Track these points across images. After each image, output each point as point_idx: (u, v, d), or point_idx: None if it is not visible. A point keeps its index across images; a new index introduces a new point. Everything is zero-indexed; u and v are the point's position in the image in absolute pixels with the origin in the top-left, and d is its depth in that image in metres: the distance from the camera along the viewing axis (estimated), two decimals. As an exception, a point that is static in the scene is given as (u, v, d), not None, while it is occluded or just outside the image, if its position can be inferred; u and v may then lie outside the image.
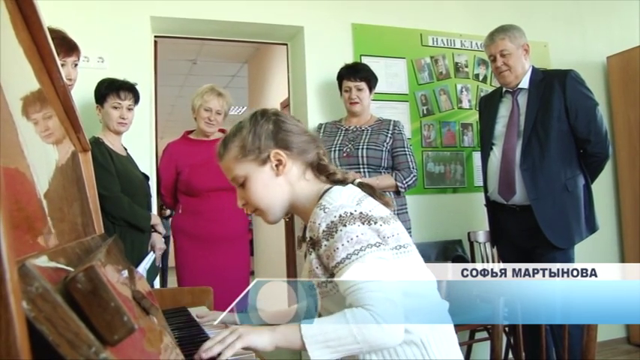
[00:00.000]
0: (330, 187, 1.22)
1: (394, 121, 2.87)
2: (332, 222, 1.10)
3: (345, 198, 1.15)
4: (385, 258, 1.09)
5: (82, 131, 1.40)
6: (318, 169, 1.28)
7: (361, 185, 1.28)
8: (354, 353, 1.04)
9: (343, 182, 1.27)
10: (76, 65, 2.13)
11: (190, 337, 1.34)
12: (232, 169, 1.24)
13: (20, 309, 0.41)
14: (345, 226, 1.09)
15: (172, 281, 3.76)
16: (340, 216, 1.10)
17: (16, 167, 0.60)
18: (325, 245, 1.10)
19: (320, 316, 1.25)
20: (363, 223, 1.10)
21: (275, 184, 1.23)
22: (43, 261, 0.54)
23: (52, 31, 1.98)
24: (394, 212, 2.67)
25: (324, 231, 1.10)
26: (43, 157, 0.86)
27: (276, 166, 1.22)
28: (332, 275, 1.12)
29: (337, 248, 1.08)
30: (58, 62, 1.01)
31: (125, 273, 1.02)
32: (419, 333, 1.12)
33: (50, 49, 0.93)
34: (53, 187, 0.85)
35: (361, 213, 1.12)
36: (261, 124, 1.24)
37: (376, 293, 1.03)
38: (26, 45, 0.85)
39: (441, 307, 1.22)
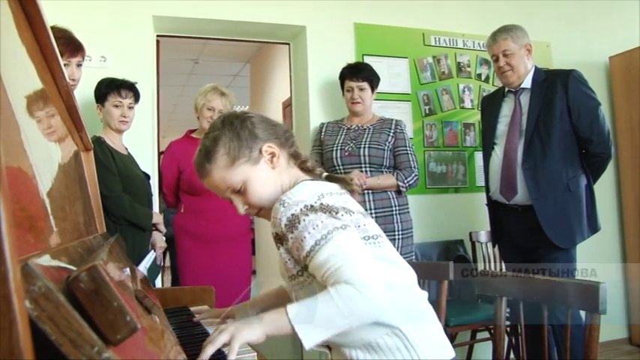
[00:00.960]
0: (298, 182, 1.21)
1: (396, 120, 2.87)
2: (292, 214, 1.09)
3: (307, 193, 1.14)
4: (353, 238, 1.10)
5: (85, 130, 1.40)
6: (294, 156, 1.30)
7: (330, 179, 1.28)
8: (344, 329, 1.03)
9: (312, 172, 1.30)
10: (79, 65, 2.13)
11: (192, 336, 1.34)
12: (226, 179, 1.20)
13: (23, 308, 0.41)
14: (307, 215, 1.09)
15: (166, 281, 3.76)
16: (301, 209, 1.10)
17: (18, 166, 0.60)
18: (291, 238, 1.10)
19: None
20: (324, 213, 1.10)
21: (272, 178, 1.22)
22: (45, 260, 0.54)
23: (58, 30, 2.00)
24: (395, 210, 2.69)
25: (286, 224, 1.10)
26: (45, 156, 0.86)
27: (270, 159, 1.22)
28: (305, 266, 1.12)
29: (304, 237, 1.07)
30: (61, 62, 1.01)
31: (127, 272, 1.02)
32: (398, 324, 1.12)
33: (53, 49, 0.93)
34: (56, 186, 0.85)
35: (322, 204, 1.12)
36: (240, 126, 1.22)
37: (354, 268, 1.03)
38: (29, 44, 0.85)
39: (419, 297, 1.22)
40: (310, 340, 1.00)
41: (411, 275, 1.23)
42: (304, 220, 1.08)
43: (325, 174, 1.31)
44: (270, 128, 1.25)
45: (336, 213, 1.12)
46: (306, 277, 1.14)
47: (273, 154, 1.22)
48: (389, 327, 1.12)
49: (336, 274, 1.03)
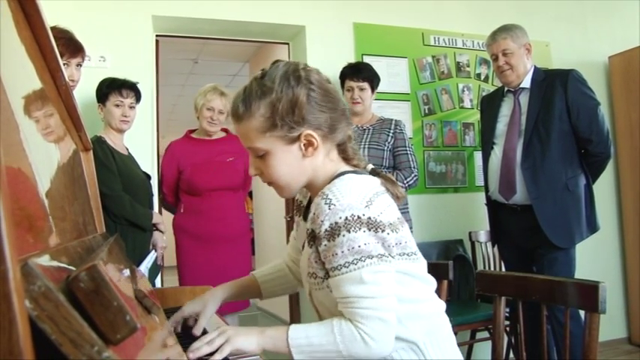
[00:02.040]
0: (342, 174, 1.11)
1: (396, 120, 2.87)
2: (336, 223, 1.00)
3: (355, 195, 1.03)
4: (384, 271, 1.02)
5: (84, 130, 1.40)
6: (341, 149, 1.17)
7: (375, 173, 1.18)
8: None
9: (357, 165, 1.18)
10: (79, 66, 2.13)
11: (192, 335, 1.34)
12: (252, 139, 1.08)
13: (23, 308, 0.41)
14: (349, 232, 0.99)
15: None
16: (346, 219, 1.00)
17: (18, 166, 0.60)
18: (325, 245, 1.02)
19: (313, 304, 1.22)
20: (369, 230, 1.01)
21: (299, 165, 1.10)
22: (45, 260, 0.54)
23: (59, 31, 2.00)
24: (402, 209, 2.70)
25: (326, 230, 1.01)
26: (44, 155, 0.86)
27: (305, 147, 1.09)
28: (327, 273, 1.08)
29: (336, 253, 1.01)
30: (60, 61, 1.01)
31: (127, 272, 1.02)
32: (415, 338, 1.10)
33: (52, 48, 0.93)
34: (55, 186, 0.85)
35: (369, 218, 1.02)
36: (295, 93, 1.06)
37: (367, 311, 1.00)
38: (28, 44, 0.85)
39: (438, 310, 1.19)
40: None
41: (433, 287, 1.20)
42: (344, 236, 1.00)
43: (371, 166, 1.20)
44: (326, 111, 1.09)
45: (382, 231, 1.03)
46: (328, 284, 1.09)
47: (311, 144, 1.09)
48: (407, 342, 1.10)
49: (348, 309, 1.02)
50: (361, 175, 1.13)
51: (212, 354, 1.01)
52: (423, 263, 1.16)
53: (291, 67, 1.10)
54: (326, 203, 1.02)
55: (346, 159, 1.18)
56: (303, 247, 1.16)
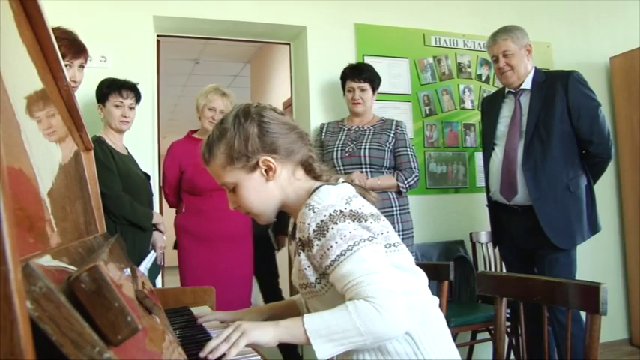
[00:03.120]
0: (320, 186, 1.18)
1: (397, 121, 2.87)
2: (322, 221, 1.08)
3: (334, 197, 1.12)
4: (379, 251, 1.09)
5: (85, 130, 1.40)
6: (306, 168, 1.25)
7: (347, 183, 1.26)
8: (359, 346, 1.03)
9: (328, 180, 1.25)
10: (82, 67, 2.13)
11: (192, 336, 1.34)
12: (221, 176, 1.21)
13: (24, 308, 0.41)
14: (336, 224, 1.07)
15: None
16: (330, 214, 1.08)
17: (19, 166, 0.60)
18: (317, 245, 1.08)
19: (307, 308, 1.25)
20: (354, 221, 1.09)
21: (266, 189, 1.20)
22: (46, 260, 0.54)
23: (62, 32, 2.00)
24: (396, 211, 2.70)
25: (314, 230, 1.08)
26: (46, 156, 0.86)
27: (266, 172, 1.19)
28: (323, 274, 1.11)
29: (331, 246, 1.06)
30: (62, 62, 1.01)
31: (127, 272, 1.02)
32: (409, 329, 1.11)
33: (54, 49, 0.93)
34: (56, 186, 0.85)
35: (351, 211, 1.10)
36: (246, 128, 1.18)
37: (376, 285, 1.02)
38: (30, 44, 0.85)
39: (431, 304, 1.22)
40: (324, 352, 1.00)
41: (424, 280, 1.23)
42: (333, 229, 1.07)
43: (342, 179, 1.26)
44: (279, 137, 1.19)
45: (365, 220, 1.11)
46: (321, 287, 1.14)
47: (269, 168, 1.18)
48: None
49: (357, 289, 1.02)
50: (336, 185, 1.20)
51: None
52: (408, 255, 1.21)
53: (242, 107, 1.23)
54: (309, 209, 1.11)
55: (315, 177, 1.26)
56: (293, 265, 1.23)
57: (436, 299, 1.24)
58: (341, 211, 1.09)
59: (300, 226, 1.12)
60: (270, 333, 1.02)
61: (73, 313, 0.46)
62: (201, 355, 1.00)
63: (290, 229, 1.35)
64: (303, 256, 1.13)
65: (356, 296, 1.02)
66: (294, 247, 1.18)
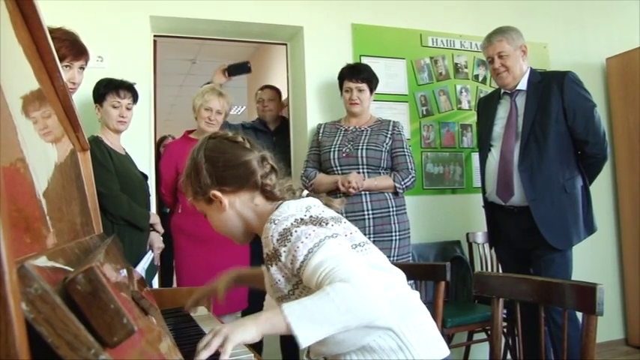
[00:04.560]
0: (280, 204, 1.22)
1: (394, 121, 2.87)
2: (284, 229, 1.11)
3: (293, 208, 1.17)
4: (344, 245, 1.11)
5: (81, 130, 1.40)
6: (265, 193, 1.27)
7: (312, 195, 1.30)
8: (342, 328, 1.01)
9: (293, 196, 1.29)
10: (82, 69, 2.12)
11: (189, 337, 1.34)
12: (194, 204, 1.30)
13: (19, 310, 0.41)
14: (298, 227, 1.11)
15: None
16: (292, 223, 1.12)
17: (15, 167, 0.60)
18: (284, 251, 1.10)
19: None
20: (315, 225, 1.12)
21: (225, 217, 1.26)
22: (42, 262, 0.54)
23: (64, 32, 1.99)
24: (392, 211, 2.69)
25: (277, 239, 1.11)
26: (42, 156, 0.85)
27: (219, 203, 1.24)
28: (297, 285, 1.13)
29: (298, 247, 1.08)
30: (58, 62, 1.01)
31: (124, 273, 1.02)
32: (389, 324, 1.12)
33: (50, 49, 0.93)
34: (52, 187, 0.85)
35: (311, 216, 1.14)
36: (200, 166, 1.25)
37: (349, 268, 1.03)
38: (26, 44, 0.84)
39: (410, 296, 1.22)
40: (306, 337, 0.98)
41: (400, 277, 1.24)
42: (296, 232, 1.10)
43: (306, 192, 1.31)
44: (226, 170, 1.25)
45: (326, 224, 1.14)
46: (297, 296, 1.15)
47: (220, 200, 1.24)
48: (381, 329, 1.12)
49: (331, 275, 1.03)
50: (296, 199, 1.25)
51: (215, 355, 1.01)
52: (379, 254, 1.23)
53: (201, 142, 1.30)
54: (270, 222, 1.15)
55: (278, 199, 1.28)
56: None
57: (416, 293, 1.25)
58: (301, 219, 1.13)
59: (264, 241, 1.16)
60: (251, 329, 1.00)
61: (69, 314, 0.46)
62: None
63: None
64: (273, 269, 1.15)
65: (332, 281, 1.02)
66: (265, 264, 1.20)
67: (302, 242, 1.08)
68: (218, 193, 1.23)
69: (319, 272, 1.04)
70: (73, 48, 2.04)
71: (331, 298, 0.98)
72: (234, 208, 1.26)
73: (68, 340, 0.44)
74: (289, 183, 1.32)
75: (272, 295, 1.24)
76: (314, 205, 1.20)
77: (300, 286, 1.14)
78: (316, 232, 1.10)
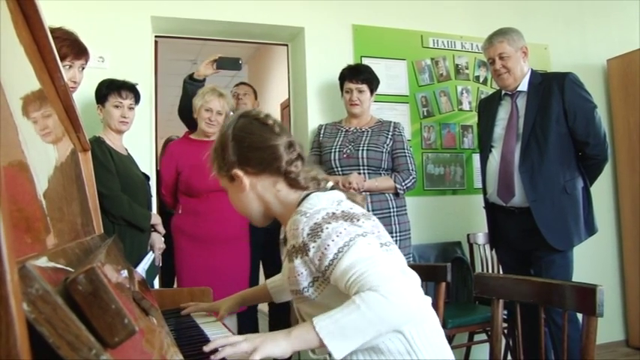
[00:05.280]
0: (309, 194, 1.22)
1: (394, 122, 2.87)
2: (315, 223, 1.10)
3: (325, 201, 1.17)
4: (373, 244, 1.10)
5: (82, 131, 1.40)
6: (288, 180, 1.26)
7: (334, 188, 1.29)
8: (374, 336, 1.02)
9: (317, 186, 1.28)
10: (82, 68, 2.12)
11: (189, 337, 1.34)
12: (219, 180, 1.32)
13: (21, 310, 0.41)
14: (329, 223, 1.10)
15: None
16: (323, 217, 1.11)
17: (16, 167, 0.60)
18: (314, 247, 1.09)
19: (301, 317, 1.26)
20: (346, 221, 1.11)
21: (244, 197, 1.27)
22: (43, 262, 0.54)
23: (64, 32, 1.99)
24: (393, 212, 2.70)
25: (308, 234, 1.10)
26: (43, 156, 0.85)
27: (240, 183, 1.25)
28: (316, 279, 1.13)
29: (328, 245, 1.07)
30: (59, 62, 1.01)
31: (125, 273, 1.02)
32: (402, 328, 1.11)
33: (51, 49, 0.93)
34: (53, 187, 0.85)
35: (343, 211, 1.14)
36: (227, 143, 1.25)
37: (378, 274, 1.02)
38: (27, 44, 0.84)
39: (424, 303, 1.20)
40: (340, 351, 0.99)
41: (416, 280, 1.23)
42: (327, 228, 1.09)
43: (330, 184, 1.30)
44: (252, 152, 1.24)
45: (357, 220, 1.13)
46: (313, 291, 1.15)
47: (241, 180, 1.24)
48: (394, 331, 1.11)
49: (360, 281, 1.02)
50: (325, 191, 1.25)
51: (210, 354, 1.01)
52: (400, 256, 1.21)
53: (232, 119, 1.31)
54: (301, 215, 1.14)
55: (301, 188, 1.27)
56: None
57: (429, 299, 1.24)
58: (333, 213, 1.12)
59: (292, 232, 1.15)
60: (282, 345, 1.01)
61: (70, 315, 0.46)
62: (205, 349, 1.03)
63: (281, 236, 1.37)
64: (297, 262, 1.14)
65: (361, 288, 1.02)
66: (286, 254, 1.20)
67: (332, 240, 1.07)
68: (240, 173, 1.24)
69: (348, 276, 1.04)
70: (74, 47, 2.04)
71: (362, 312, 0.98)
72: (255, 190, 1.26)
73: (69, 340, 0.44)
74: (314, 172, 1.31)
75: (287, 287, 1.23)
76: (344, 200, 1.20)
77: (318, 280, 1.13)
78: (347, 230, 1.09)
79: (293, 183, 1.26)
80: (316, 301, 1.15)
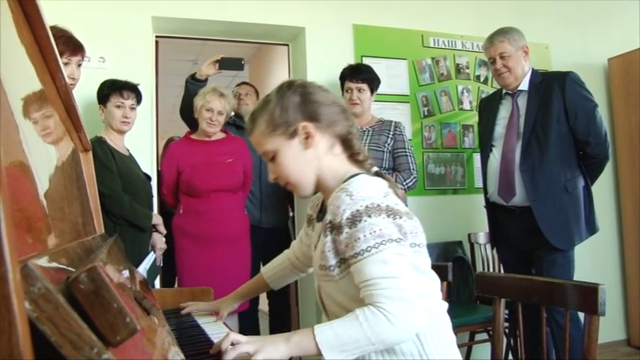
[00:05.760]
0: (357, 174, 1.19)
1: (395, 122, 2.87)
2: (357, 210, 1.07)
3: (372, 188, 1.13)
4: (404, 254, 1.08)
5: (83, 131, 1.40)
6: (345, 143, 1.24)
7: (378, 175, 1.25)
8: (370, 352, 1.05)
9: (363, 163, 1.25)
10: (79, 65, 2.13)
11: (191, 337, 1.34)
12: (262, 144, 1.22)
13: (23, 309, 0.41)
14: (369, 217, 1.07)
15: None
16: (367, 206, 1.07)
17: (17, 167, 0.60)
18: (347, 233, 1.08)
19: (320, 298, 1.26)
20: (388, 217, 1.08)
21: (304, 158, 1.20)
22: (44, 261, 0.54)
23: (58, 30, 1.99)
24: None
25: (347, 218, 1.08)
26: (44, 156, 0.85)
27: (305, 139, 1.19)
28: (343, 260, 1.12)
29: (359, 238, 1.06)
30: (60, 62, 1.01)
31: (126, 273, 1.02)
32: (417, 330, 1.11)
33: (52, 49, 0.93)
34: (54, 187, 0.85)
35: (388, 206, 1.10)
36: (288, 97, 1.21)
37: (390, 291, 1.02)
38: (28, 44, 0.85)
39: (441, 307, 1.23)
40: None
41: (438, 284, 1.24)
42: (365, 221, 1.06)
43: (375, 169, 1.26)
44: (321, 106, 1.21)
45: (400, 217, 1.11)
46: (339, 272, 1.14)
47: (308, 135, 1.19)
48: None
49: (371, 291, 1.03)
50: (370, 174, 1.22)
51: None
52: (427, 258, 1.22)
53: (285, 81, 1.26)
54: (347, 195, 1.10)
55: (353, 155, 1.25)
56: (316, 246, 1.24)
57: (445, 304, 1.24)
58: (378, 205, 1.08)
59: (332, 209, 1.12)
60: (282, 349, 1.02)
61: (72, 314, 0.46)
62: (212, 352, 1.05)
63: (309, 212, 1.40)
64: (329, 238, 1.13)
65: (368, 298, 1.03)
66: (321, 227, 1.18)
67: (364, 235, 1.06)
68: (310, 125, 1.19)
69: (364, 280, 1.05)
70: (70, 44, 2.05)
71: (363, 329, 1.00)
72: (318, 148, 1.20)
73: (71, 339, 0.45)
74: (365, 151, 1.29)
75: (316, 262, 1.22)
76: (390, 192, 1.16)
77: (344, 264, 1.12)
78: (382, 231, 1.06)
79: (349, 147, 1.24)
80: (340, 284, 1.14)
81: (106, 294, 0.51)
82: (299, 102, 1.20)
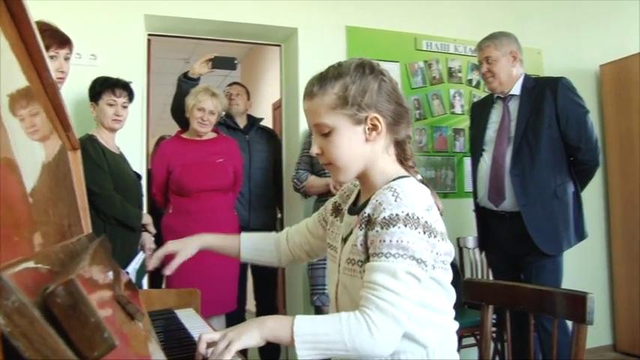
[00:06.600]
0: (407, 176, 1.16)
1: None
2: (397, 215, 1.04)
3: (419, 196, 1.08)
4: (417, 277, 1.04)
5: (72, 130, 1.38)
6: (400, 146, 1.20)
7: (422, 183, 1.21)
8: (341, 357, 1.03)
9: (411, 169, 1.22)
10: (67, 59, 2.09)
11: (176, 340, 1.32)
12: (321, 115, 1.14)
13: (-4, 323, 0.39)
14: (405, 226, 1.03)
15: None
16: (407, 214, 1.04)
17: (5, 167, 0.59)
18: (377, 231, 1.05)
19: (335, 292, 1.23)
20: (424, 233, 1.05)
21: (360, 147, 1.14)
22: (22, 269, 0.52)
23: (44, 24, 1.96)
24: None
25: (384, 218, 1.04)
26: (29, 156, 0.84)
27: (370, 130, 1.13)
28: (367, 257, 1.10)
29: (384, 240, 1.03)
30: (47, 59, 0.99)
31: (110, 276, 1.00)
32: (427, 342, 1.12)
33: (39, 47, 0.91)
34: (38, 189, 0.83)
35: (426, 222, 1.06)
36: (369, 80, 1.13)
37: (385, 304, 1.00)
38: (14, 42, 0.83)
39: (453, 326, 1.23)
40: (304, 355, 0.99)
41: (453, 300, 1.23)
42: (399, 228, 1.03)
43: (419, 177, 1.22)
44: (393, 103, 1.15)
45: (435, 237, 1.07)
46: (361, 270, 1.11)
47: (375, 128, 1.13)
48: (419, 344, 1.12)
49: (369, 299, 1.02)
50: (419, 183, 1.17)
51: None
52: (447, 274, 1.19)
53: (366, 60, 1.18)
54: (393, 195, 1.06)
55: (404, 159, 1.22)
56: (345, 239, 1.20)
57: (456, 324, 1.24)
58: (418, 218, 1.04)
59: (374, 204, 1.09)
60: (256, 335, 1.01)
61: (47, 329, 0.44)
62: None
63: (335, 200, 1.37)
64: (363, 232, 1.11)
65: (363, 299, 1.02)
66: (357, 220, 1.15)
67: (390, 241, 1.03)
68: (381, 119, 1.13)
69: (368, 280, 1.03)
70: (56, 37, 2.01)
71: (342, 332, 0.99)
72: (377, 144, 1.15)
73: (46, 355, 0.43)
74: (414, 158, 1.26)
75: (344, 257, 1.18)
76: (433, 206, 1.11)
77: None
78: (408, 244, 1.02)
79: (402, 152, 1.21)
80: (360, 282, 1.10)
81: (83, 308, 0.49)
82: (376, 90, 1.13)
